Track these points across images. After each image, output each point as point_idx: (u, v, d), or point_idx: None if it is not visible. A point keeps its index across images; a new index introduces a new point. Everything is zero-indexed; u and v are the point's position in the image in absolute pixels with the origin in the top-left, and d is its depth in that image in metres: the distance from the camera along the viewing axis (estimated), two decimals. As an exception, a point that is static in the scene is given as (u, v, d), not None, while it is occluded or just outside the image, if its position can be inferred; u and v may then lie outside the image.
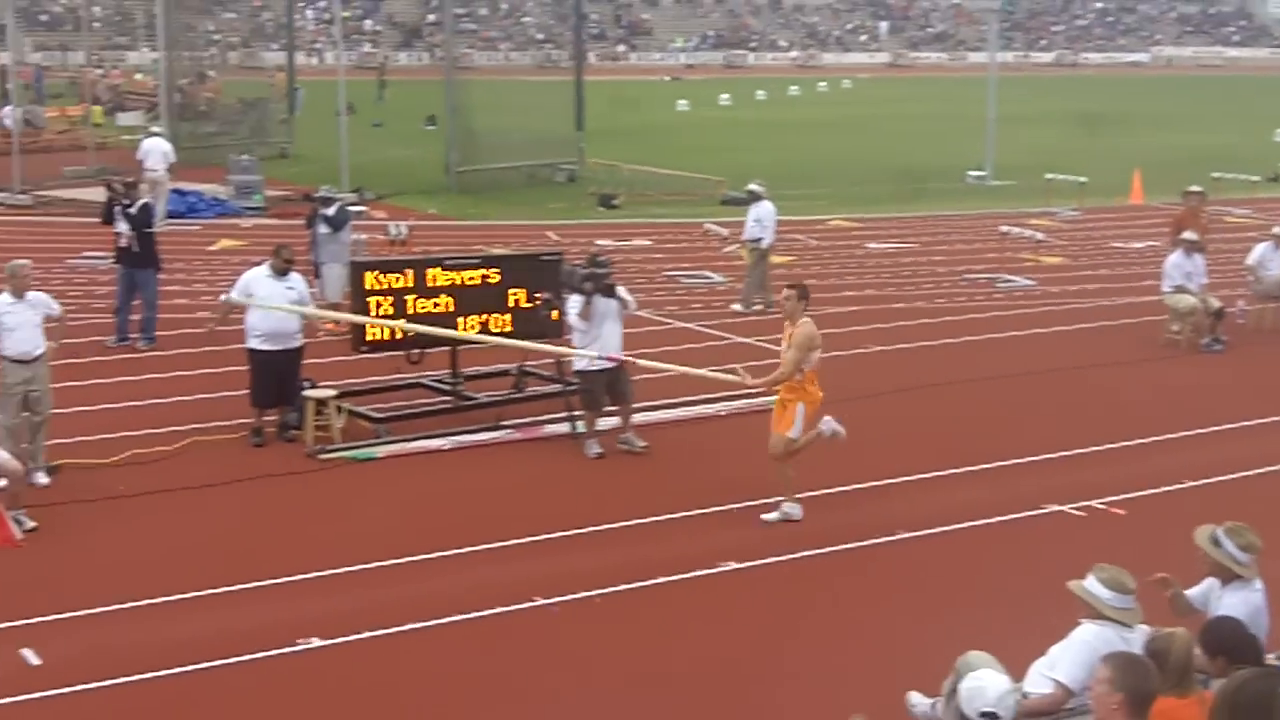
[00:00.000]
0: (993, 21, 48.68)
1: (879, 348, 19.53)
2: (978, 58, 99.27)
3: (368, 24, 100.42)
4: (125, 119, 47.44)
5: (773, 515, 12.72)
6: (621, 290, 14.78)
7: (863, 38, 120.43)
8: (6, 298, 13.75)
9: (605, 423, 15.00)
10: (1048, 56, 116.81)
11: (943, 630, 9.99)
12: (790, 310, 12.87)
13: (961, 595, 11.31)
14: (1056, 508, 13.15)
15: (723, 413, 16.26)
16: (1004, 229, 30.71)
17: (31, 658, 9.91)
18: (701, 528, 12.69)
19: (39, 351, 13.74)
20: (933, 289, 24.03)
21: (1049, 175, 35.07)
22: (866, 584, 11.61)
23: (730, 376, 13.81)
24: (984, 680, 6.35)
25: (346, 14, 66.03)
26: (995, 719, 6.18)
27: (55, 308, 14.19)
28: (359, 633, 10.35)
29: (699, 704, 9.39)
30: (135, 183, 20.77)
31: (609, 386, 14.74)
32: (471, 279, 15.68)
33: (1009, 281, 24.76)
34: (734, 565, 11.72)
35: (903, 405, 16.78)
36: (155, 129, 31.65)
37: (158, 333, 19.12)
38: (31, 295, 13.90)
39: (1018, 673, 7.47)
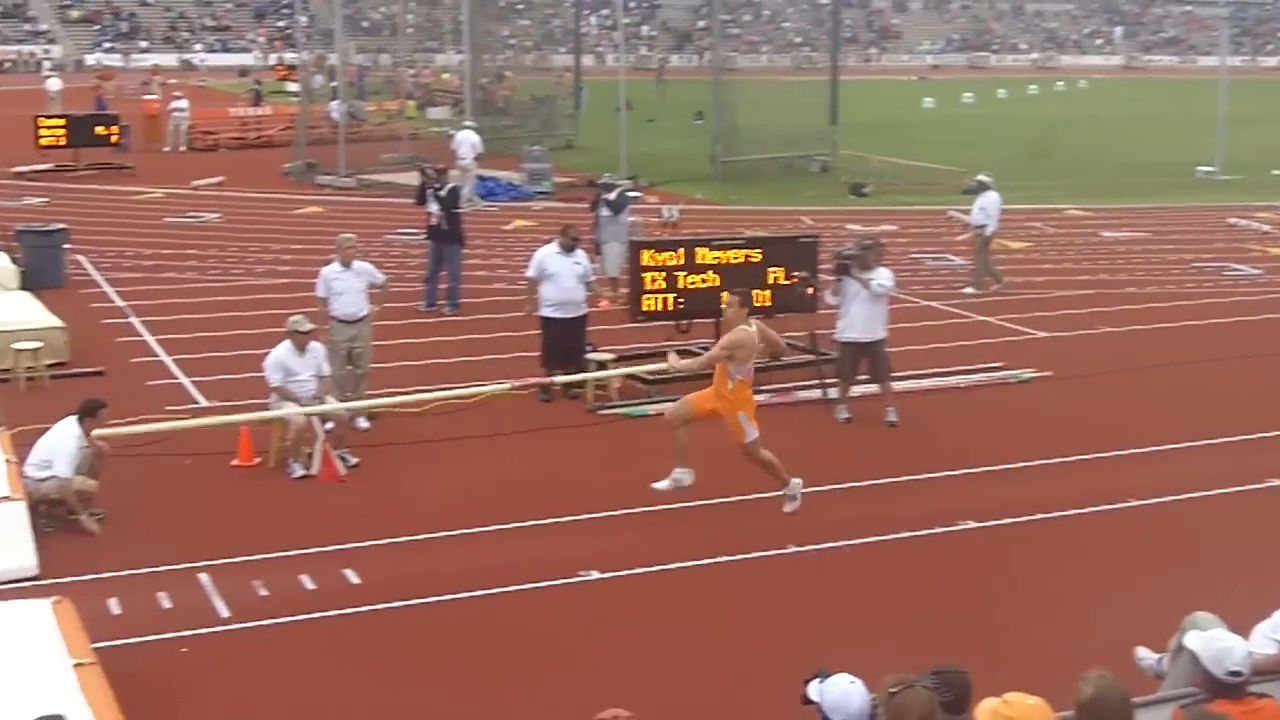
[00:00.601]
0: (1223, 27, 46.61)
1: (1110, 329, 18.90)
2: (1207, 61, 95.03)
3: (644, 30, 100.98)
4: (434, 113, 48.64)
5: (793, 501, 11.66)
6: (876, 273, 14.40)
7: (1098, 41, 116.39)
8: (336, 266, 14.28)
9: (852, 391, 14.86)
10: (1273, 61, 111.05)
11: (1169, 591, 9.67)
12: (731, 316, 11.59)
13: (1187, 559, 10.90)
14: (1278, 483, 12.58)
15: (962, 385, 15.97)
16: (1231, 221, 29.40)
17: (352, 577, 10.31)
18: (941, 489, 12.48)
19: (363, 313, 14.24)
20: (1163, 275, 23.13)
21: (1275, 171, 33.43)
22: (1097, 547, 11.25)
23: (659, 365, 12.62)
24: (1229, 641, 6.09)
25: (626, 21, 66.59)
26: (1240, 676, 5.95)
27: (379, 276, 14.69)
28: (632, 568, 10.49)
29: (939, 648, 9.25)
30: (445, 169, 21.35)
31: (864, 359, 14.56)
32: (735, 258, 15.65)
33: (1236, 270, 23.69)
34: (972, 525, 11.49)
35: (1134, 383, 16.21)
36: (468, 123, 32.34)
37: (461, 300, 19.65)
38: (358, 264, 14.41)
39: (1240, 633, 7.18)
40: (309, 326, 12.97)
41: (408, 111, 43.58)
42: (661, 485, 11.68)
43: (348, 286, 14.20)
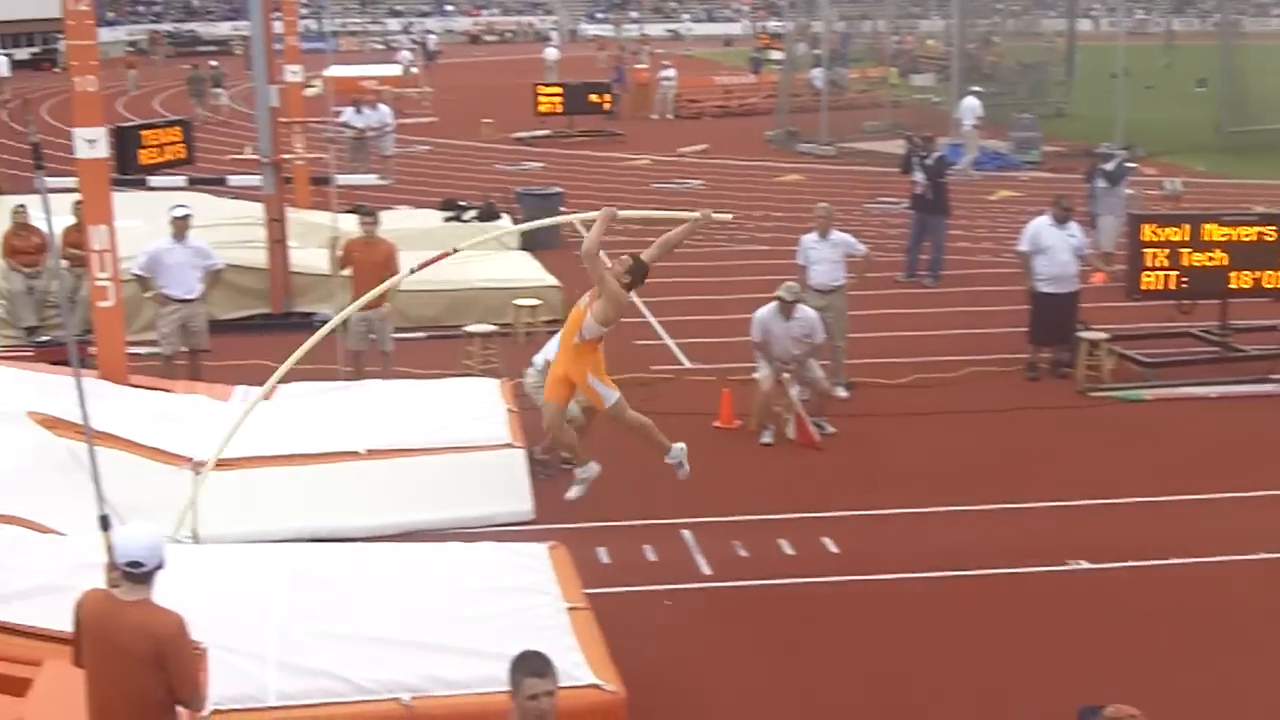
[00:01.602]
0: None
1: None
2: None
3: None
4: (918, 80, 48.18)
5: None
6: None
7: None
8: (813, 236, 14.30)
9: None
10: None
11: None
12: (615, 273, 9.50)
13: None
14: None
15: None
16: None
17: (830, 546, 10.38)
18: None
19: (836, 284, 14.12)
20: None
21: None
22: None
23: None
24: None
25: (1124, -18, 63.50)
26: None
27: (859, 248, 14.49)
28: (1124, 561, 10.04)
29: None
30: (932, 137, 21.02)
31: None
32: (1247, 235, 14.65)
33: None
34: None
35: None
36: (974, 89, 31.77)
37: (942, 272, 19.36)
38: (835, 235, 14.30)
39: None
40: (793, 296, 13.00)
41: (890, 79, 43.29)
42: (572, 494, 9.94)
43: (822, 256, 14.20)
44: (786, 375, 12.77)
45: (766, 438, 12.75)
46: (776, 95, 39.32)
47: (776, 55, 52.71)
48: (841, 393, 14.00)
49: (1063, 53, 45.02)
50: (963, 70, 37.00)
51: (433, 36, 73.59)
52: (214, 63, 49.08)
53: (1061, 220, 14.74)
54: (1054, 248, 14.54)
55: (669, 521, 10.69)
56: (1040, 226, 14.77)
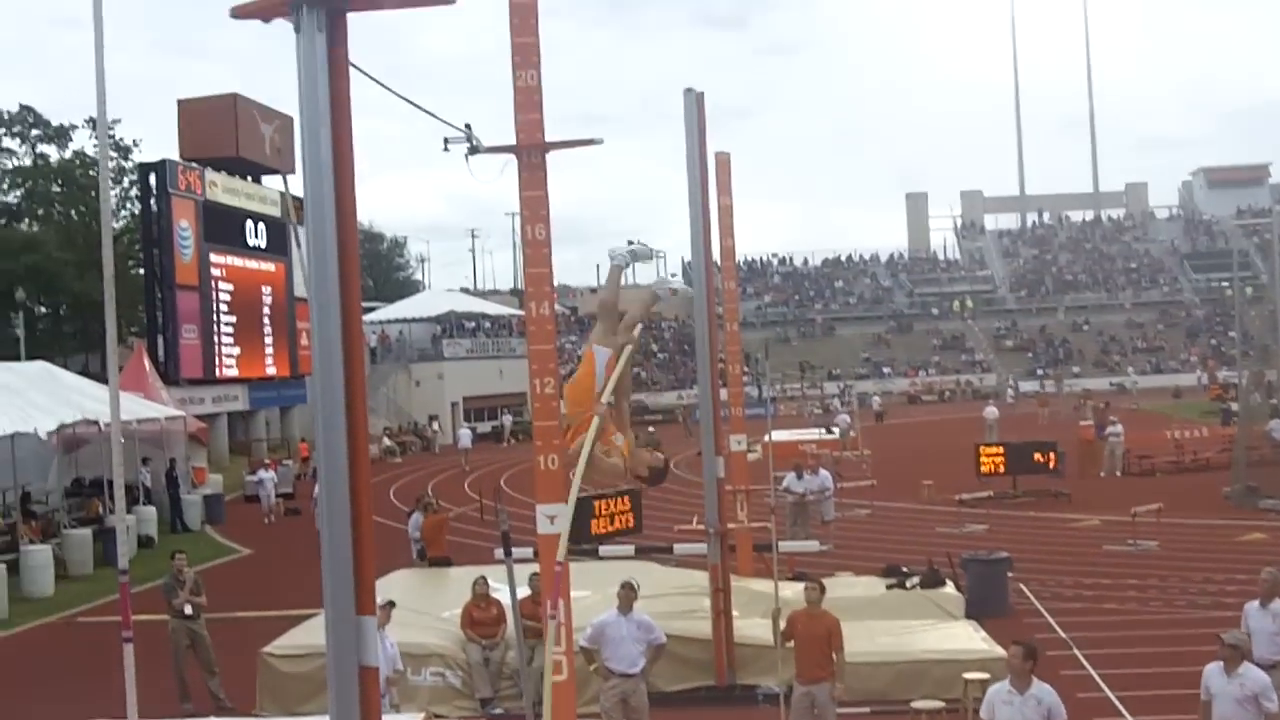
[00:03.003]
0: None
1: None
2: None
3: None
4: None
5: None
6: None
7: None
8: (1255, 605, 13.34)
9: None
10: None
11: None
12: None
13: None
14: None
15: None
16: None
17: None
18: None
19: (1278, 659, 12.95)
20: None
21: None
22: None
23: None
24: None
25: None
26: None
27: None
28: None
29: None
30: None
31: None
32: None
33: None
34: None
35: None
36: None
37: None
38: (1276, 605, 13.23)
39: None
40: (1233, 640, 11.91)
41: None
42: None
43: (1261, 627, 13.08)
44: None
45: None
46: (1232, 449, 37.67)
47: (1232, 406, 50.86)
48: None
49: None
50: None
51: (875, 399, 75.25)
52: (651, 429, 51.49)
53: None
54: None
55: None
56: None
